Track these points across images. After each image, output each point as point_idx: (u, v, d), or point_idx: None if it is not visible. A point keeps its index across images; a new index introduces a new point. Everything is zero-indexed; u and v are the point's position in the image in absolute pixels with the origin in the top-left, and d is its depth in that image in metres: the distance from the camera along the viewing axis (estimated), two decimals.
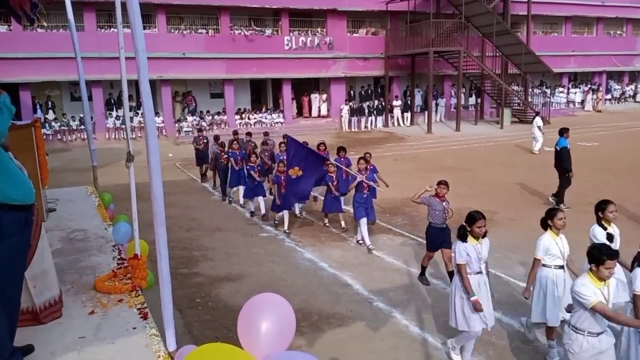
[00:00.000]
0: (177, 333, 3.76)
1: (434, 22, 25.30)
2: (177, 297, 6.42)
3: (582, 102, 33.58)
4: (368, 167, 9.21)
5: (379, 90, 29.63)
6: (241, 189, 11.93)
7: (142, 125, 4.69)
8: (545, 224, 5.35)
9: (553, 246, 5.21)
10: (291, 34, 26.86)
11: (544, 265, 5.27)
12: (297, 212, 10.91)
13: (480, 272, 5.04)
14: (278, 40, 26.41)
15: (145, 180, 3.60)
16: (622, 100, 36.13)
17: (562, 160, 10.92)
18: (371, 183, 8.96)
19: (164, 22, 24.47)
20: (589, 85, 34.54)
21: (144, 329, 4.05)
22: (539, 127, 18.18)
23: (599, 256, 3.96)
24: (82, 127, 22.39)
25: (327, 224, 10.18)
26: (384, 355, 5.44)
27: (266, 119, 26.63)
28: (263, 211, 10.90)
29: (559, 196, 10.98)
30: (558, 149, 11.10)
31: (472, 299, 4.89)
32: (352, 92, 28.96)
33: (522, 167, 15.79)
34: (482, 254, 5.05)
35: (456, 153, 19.35)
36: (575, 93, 33.83)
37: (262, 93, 29.40)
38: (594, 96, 33.46)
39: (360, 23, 29.11)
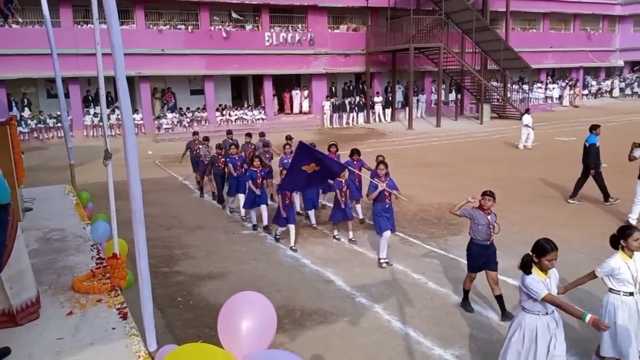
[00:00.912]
0: (158, 332, 3.73)
1: (414, 18, 25.44)
2: (157, 296, 6.36)
3: (560, 97, 34.12)
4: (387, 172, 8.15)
5: (361, 86, 29.72)
6: (241, 197, 10.57)
7: (120, 122, 4.60)
8: (616, 244, 4.57)
9: (624, 269, 4.46)
10: (272, 29, 26.76)
11: (611, 290, 4.58)
12: (313, 222, 10.02)
13: (550, 312, 4.21)
14: (259, 36, 26.28)
15: (123, 178, 3.56)
16: (599, 96, 36.79)
17: (590, 157, 10.72)
18: (394, 192, 7.90)
19: (142, 18, 24.14)
20: (567, 81, 35.10)
21: (123, 329, 4.01)
22: (526, 125, 18.33)
23: None
24: (59, 124, 22.03)
25: (337, 235, 9.18)
26: (366, 350, 5.46)
27: (247, 115, 26.53)
28: (265, 222, 9.81)
29: (603, 193, 10.68)
30: (587, 145, 10.82)
31: (588, 317, 3.89)
32: (333, 88, 29.00)
33: (502, 162, 15.97)
34: (551, 291, 4.17)
35: (437, 149, 19.50)
36: (553, 89, 34.34)
37: (242, 89, 29.25)
38: (572, 92, 34.03)
39: (341, 19, 29.14)
